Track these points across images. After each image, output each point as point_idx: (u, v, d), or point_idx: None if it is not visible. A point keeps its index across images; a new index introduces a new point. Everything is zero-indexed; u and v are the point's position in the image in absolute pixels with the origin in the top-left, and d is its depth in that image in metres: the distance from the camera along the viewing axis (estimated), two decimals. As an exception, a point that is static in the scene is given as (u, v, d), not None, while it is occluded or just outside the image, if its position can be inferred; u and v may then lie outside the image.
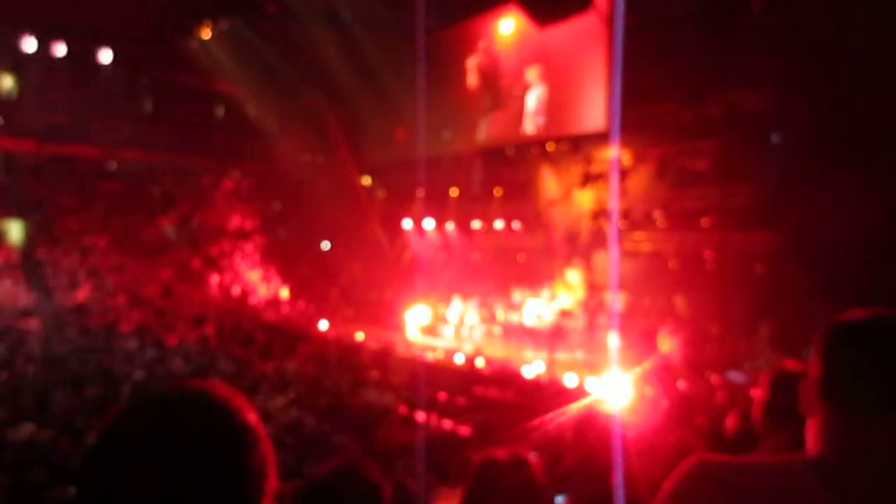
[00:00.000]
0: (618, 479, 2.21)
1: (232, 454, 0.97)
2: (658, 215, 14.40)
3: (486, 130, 17.18)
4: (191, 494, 0.93)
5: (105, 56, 20.31)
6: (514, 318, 15.35)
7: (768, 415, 2.19)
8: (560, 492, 2.40)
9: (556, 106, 15.21)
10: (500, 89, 16.66)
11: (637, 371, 9.71)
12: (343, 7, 17.56)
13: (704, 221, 13.54)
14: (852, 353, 1.28)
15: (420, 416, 11.61)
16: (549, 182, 16.77)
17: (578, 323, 14.52)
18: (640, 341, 12.41)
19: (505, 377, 12.38)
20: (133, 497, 0.92)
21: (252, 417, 1.02)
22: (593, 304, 14.83)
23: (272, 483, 1.01)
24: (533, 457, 2.23)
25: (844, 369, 1.28)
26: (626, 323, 13.43)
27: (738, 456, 1.63)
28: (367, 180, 21.84)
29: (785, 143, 12.41)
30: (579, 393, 10.43)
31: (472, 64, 17.22)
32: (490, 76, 16.91)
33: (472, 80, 17.24)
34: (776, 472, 1.27)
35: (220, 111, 22.90)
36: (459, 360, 13.41)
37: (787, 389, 1.89)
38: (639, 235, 14.85)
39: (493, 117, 16.93)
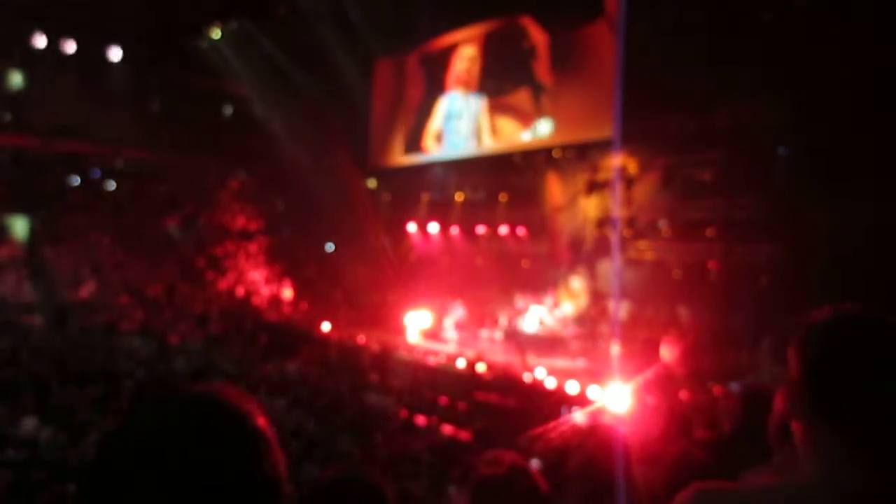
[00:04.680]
0: (619, 487, 2.21)
1: (246, 462, 0.95)
2: (663, 225, 14.37)
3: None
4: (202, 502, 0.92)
5: (114, 54, 20.38)
6: (517, 323, 15.33)
7: (782, 428, 2.18)
8: (561, 499, 2.40)
9: (564, 113, 15.19)
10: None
11: (638, 380, 9.70)
12: (352, 9, 17.65)
13: (709, 232, 13.51)
14: (840, 361, 1.20)
15: (421, 420, 11.62)
16: (555, 189, 16.77)
17: (581, 331, 14.52)
18: (642, 350, 12.38)
19: (506, 383, 12.37)
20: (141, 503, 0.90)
21: (264, 423, 1.01)
22: (596, 312, 14.82)
23: (285, 490, 1.01)
24: (533, 465, 2.23)
25: (833, 379, 1.21)
26: (629, 332, 13.41)
27: (739, 478, 1.61)
28: (372, 183, 21.86)
29: (791, 155, 12.40)
30: (581, 401, 10.43)
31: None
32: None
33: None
34: (776, 498, 1.21)
35: (227, 111, 22.95)
36: (461, 364, 13.40)
37: None
38: (643, 244, 14.83)
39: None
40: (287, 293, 20.65)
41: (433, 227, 19.29)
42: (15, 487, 5.88)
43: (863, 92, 10.21)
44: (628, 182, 14.66)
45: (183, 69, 20.29)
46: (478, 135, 16.95)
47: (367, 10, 17.65)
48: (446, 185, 19.37)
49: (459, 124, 17.43)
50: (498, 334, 15.55)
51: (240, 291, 20.08)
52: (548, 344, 14.26)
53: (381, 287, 19.43)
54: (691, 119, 13.45)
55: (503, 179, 18.05)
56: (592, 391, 10.61)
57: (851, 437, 1.18)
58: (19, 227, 18.41)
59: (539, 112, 15.49)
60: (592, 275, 15.59)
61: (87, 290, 17.42)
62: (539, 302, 15.41)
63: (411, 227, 19.95)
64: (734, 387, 10.61)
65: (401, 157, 19.29)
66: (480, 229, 18.33)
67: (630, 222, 14.81)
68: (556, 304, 15.25)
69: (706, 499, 1.24)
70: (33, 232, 18.42)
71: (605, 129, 13.92)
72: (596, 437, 2.49)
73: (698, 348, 12.20)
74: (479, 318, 16.40)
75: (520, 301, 15.84)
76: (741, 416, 2.20)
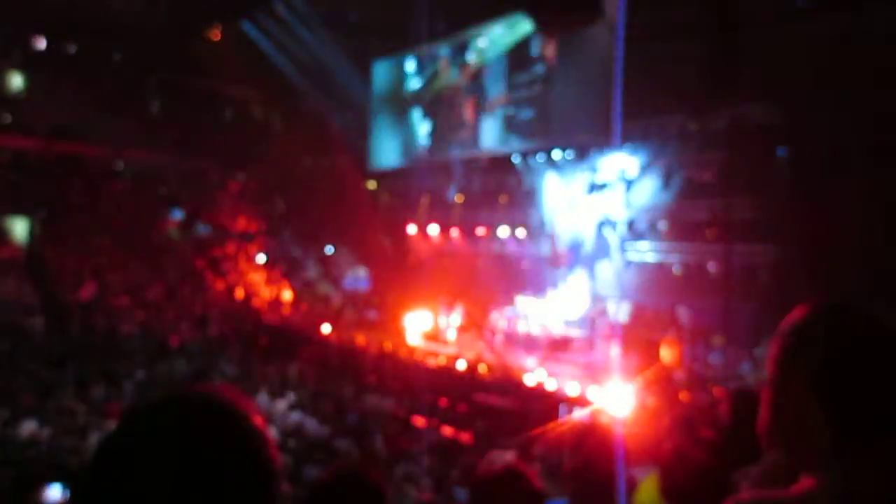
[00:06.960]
0: (618, 487, 2.22)
1: (243, 463, 0.96)
2: (663, 225, 14.38)
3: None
4: (197, 501, 0.92)
5: (114, 56, 20.39)
6: (517, 325, 15.30)
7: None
8: (560, 499, 2.40)
9: (563, 114, 15.20)
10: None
11: (639, 381, 9.70)
12: (351, 11, 17.69)
13: (709, 232, 13.52)
14: (848, 361, 1.15)
15: (421, 422, 11.61)
16: (555, 190, 16.76)
17: (581, 332, 14.50)
18: (643, 350, 12.39)
19: (506, 384, 12.35)
20: (138, 503, 0.91)
21: (259, 422, 1.02)
22: (596, 313, 14.79)
23: (278, 488, 1.01)
24: (529, 465, 2.23)
25: (840, 380, 1.15)
26: (629, 332, 13.40)
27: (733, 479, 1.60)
28: (372, 184, 21.85)
29: (791, 155, 12.41)
30: (581, 401, 10.43)
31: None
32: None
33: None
34: None
35: (227, 113, 22.95)
36: (461, 366, 13.39)
37: None
38: (643, 245, 14.83)
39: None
40: (287, 295, 20.63)
41: (433, 229, 19.27)
42: (15, 487, 5.88)
43: (862, 92, 10.23)
44: (628, 183, 14.66)
45: (183, 71, 20.29)
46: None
47: (367, 12, 17.71)
48: (446, 186, 19.36)
49: (454, 123, 17.61)
50: (498, 336, 15.53)
51: (240, 293, 20.07)
52: (547, 345, 14.25)
53: (382, 288, 19.42)
54: (691, 119, 13.47)
55: (503, 180, 18.05)
56: (592, 391, 10.61)
57: (860, 437, 1.15)
58: (20, 228, 18.42)
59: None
60: (592, 276, 15.58)
61: (87, 291, 17.40)
62: (539, 303, 15.39)
63: (411, 229, 19.92)
64: (734, 387, 10.62)
65: (400, 159, 19.31)
66: (480, 230, 18.31)
67: (630, 223, 14.81)
68: (555, 306, 15.22)
69: None
70: (34, 234, 18.42)
71: (605, 129, 13.96)
72: (596, 437, 2.50)
73: (697, 349, 12.26)
74: (479, 320, 16.37)
75: (520, 302, 15.81)
76: (736, 415, 2.20)
